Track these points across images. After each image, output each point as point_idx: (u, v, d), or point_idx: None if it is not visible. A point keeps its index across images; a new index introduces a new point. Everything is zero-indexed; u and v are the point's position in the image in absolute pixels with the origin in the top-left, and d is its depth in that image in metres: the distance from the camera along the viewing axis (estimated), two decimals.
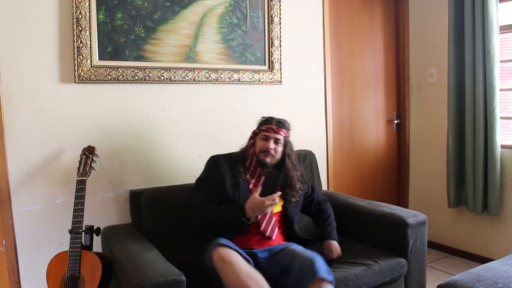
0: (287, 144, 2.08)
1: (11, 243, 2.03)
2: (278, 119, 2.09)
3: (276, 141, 2.03)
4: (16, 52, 2.02)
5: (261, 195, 1.82)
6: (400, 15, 3.53)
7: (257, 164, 2.04)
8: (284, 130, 2.06)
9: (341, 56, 3.22)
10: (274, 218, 2.01)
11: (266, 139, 2.02)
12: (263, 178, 1.99)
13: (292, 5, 2.84)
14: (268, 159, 2.00)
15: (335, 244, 2.09)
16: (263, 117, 2.13)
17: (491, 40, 2.79)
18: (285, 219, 2.08)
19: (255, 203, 1.81)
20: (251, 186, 2.01)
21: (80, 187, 1.92)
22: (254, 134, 2.10)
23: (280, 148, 2.04)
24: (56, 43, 2.11)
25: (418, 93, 3.52)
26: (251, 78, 2.67)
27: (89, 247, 1.92)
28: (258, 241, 1.96)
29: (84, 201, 1.90)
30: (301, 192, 2.11)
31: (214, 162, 2.04)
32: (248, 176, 2.03)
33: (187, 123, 2.49)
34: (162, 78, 2.36)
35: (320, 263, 1.71)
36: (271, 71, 2.75)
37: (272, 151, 2.01)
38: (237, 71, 2.61)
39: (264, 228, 1.97)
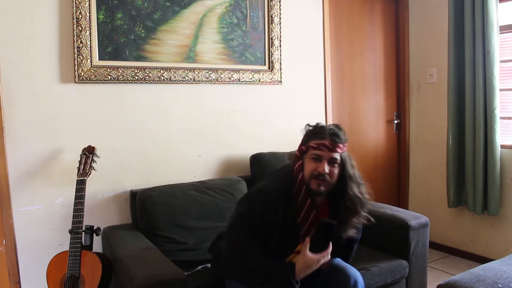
0: (346, 161, 1.59)
1: (11, 243, 2.03)
2: (331, 129, 1.60)
3: (333, 162, 1.57)
4: (16, 52, 2.02)
5: (311, 249, 1.49)
6: (400, 15, 3.53)
7: (307, 194, 1.57)
8: (341, 145, 1.58)
9: (341, 56, 3.22)
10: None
11: (319, 159, 1.56)
12: (313, 230, 1.56)
13: (292, 5, 2.84)
14: (322, 188, 1.56)
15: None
16: (309, 126, 1.65)
17: (491, 40, 2.79)
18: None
19: (308, 263, 1.47)
20: (301, 234, 1.59)
21: (80, 187, 1.92)
22: (301, 153, 1.62)
23: (336, 170, 1.58)
24: (56, 43, 2.11)
25: (418, 93, 3.52)
26: (251, 78, 2.67)
27: (89, 247, 1.92)
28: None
29: (84, 201, 1.90)
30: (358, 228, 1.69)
31: (268, 207, 1.57)
32: (299, 220, 1.58)
33: (187, 123, 2.49)
34: (162, 78, 2.36)
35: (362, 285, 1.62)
36: (271, 71, 2.75)
37: (327, 176, 1.56)
38: (237, 71, 2.61)
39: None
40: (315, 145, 1.56)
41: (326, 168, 1.55)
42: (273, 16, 2.72)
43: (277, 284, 1.47)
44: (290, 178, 1.60)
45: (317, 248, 1.50)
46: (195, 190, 2.23)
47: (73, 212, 1.88)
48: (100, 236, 2.12)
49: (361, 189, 1.62)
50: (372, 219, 1.68)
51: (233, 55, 2.60)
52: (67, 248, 1.86)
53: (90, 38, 2.15)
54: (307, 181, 1.57)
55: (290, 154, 1.74)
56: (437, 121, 3.34)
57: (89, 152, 2.03)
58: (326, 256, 1.49)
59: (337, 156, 1.56)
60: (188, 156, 2.49)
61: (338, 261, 1.69)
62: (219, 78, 2.55)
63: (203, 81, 2.50)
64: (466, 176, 3.05)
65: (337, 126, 1.63)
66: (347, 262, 1.74)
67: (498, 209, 2.91)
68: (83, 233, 1.90)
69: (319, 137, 1.57)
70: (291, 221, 1.57)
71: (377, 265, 2.07)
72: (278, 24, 2.74)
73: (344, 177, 1.58)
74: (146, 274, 1.58)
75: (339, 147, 1.57)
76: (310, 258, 1.47)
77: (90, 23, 2.14)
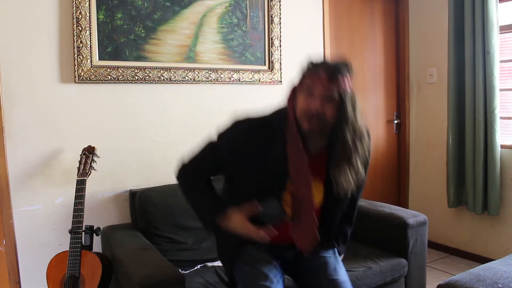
0: (345, 99, 1.31)
1: (11, 243, 2.03)
2: (332, 63, 1.34)
3: (329, 99, 1.31)
4: (16, 52, 2.02)
5: (262, 216, 1.33)
6: (400, 15, 3.53)
7: (298, 134, 1.36)
8: (340, 78, 1.30)
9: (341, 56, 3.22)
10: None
11: (312, 94, 1.32)
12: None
13: (292, 5, 2.84)
14: (313, 127, 1.33)
15: None
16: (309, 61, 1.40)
17: (491, 40, 2.79)
18: (322, 215, 1.49)
19: (234, 221, 1.34)
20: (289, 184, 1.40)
21: (80, 187, 1.92)
22: (295, 88, 1.40)
23: (333, 109, 1.32)
24: (56, 43, 2.11)
25: (418, 93, 3.52)
26: (251, 78, 2.67)
27: (89, 247, 1.92)
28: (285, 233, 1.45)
29: (84, 201, 1.90)
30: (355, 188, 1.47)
31: (243, 137, 1.40)
32: (290, 167, 1.38)
33: (187, 123, 2.49)
34: (162, 78, 2.36)
35: None
36: (271, 71, 2.75)
37: (320, 115, 1.31)
38: (237, 71, 2.61)
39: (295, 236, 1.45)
40: (308, 77, 1.33)
41: (319, 106, 1.30)
42: (273, 16, 2.72)
43: (200, 214, 1.47)
44: (284, 117, 1.38)
45: (267, 219, 1.31)
46: None
47: (73, 212, 1.88)
48: (100, 236, 2.12)
49: (360, 138, 1.38)
50: (362, 175, 1.45)
51: (233, 55, 2.60)
52: (67, 248, 1.86)
53: (90, 38, 2.15)
54: (299, 120, 1.35)
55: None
56: (437, 121, 3.34)
57: (89, 152, 2.03)
58: (259, 234, 1.29)
59: (334, 92, 1.30)
60: None
61: (331, 262, 1.53)
62: (219, 78, 2.55)
63: (203, 81, 2.50)
64: (466, 176, 3.05)
65: (341, 59, 1.37)
66: (350, 223, 1.62)
67: (498, 209, 2.91)
68: (83, 233, 1.90)
69: (315, 69, 1.33)
70: (278, 164, 1.36)
71: (377, 264, 2.07)
72: (278, 24, 2.74)
73: (339, 118, 1.32)
74: (144, 274, 1.58)
75: (337, 81, 1.29)
76: (238, 219, 1.33)
77: (90, 23, 2.15)
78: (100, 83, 2.21)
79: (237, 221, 1.34)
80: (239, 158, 1.40)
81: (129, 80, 2.28)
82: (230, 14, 2.57)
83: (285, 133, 1.38)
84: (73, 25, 2.11)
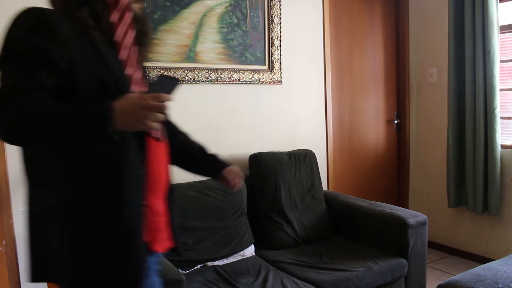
0: None
1: (11, 243, 2.03)
2: None
3: None
4: None
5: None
6: (400, 15, 3.52)
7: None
8: None
9: (341, 56, 3.22)
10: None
11: None
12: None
13: (292, 5, 2.84)
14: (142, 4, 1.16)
15: (235, 168, 1.45)
16: None
17: (491, 40, 2.79)
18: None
19: (132, 99, 0.91)
20: (123, 53, 1.07)
21: None
22: None
23: None
24: None
25: (418, 93, 3.52)
26: (251, 78, 2.67)
27: None
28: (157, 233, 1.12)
29: None
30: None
31: (45, 22, 0.99)
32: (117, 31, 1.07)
33: (186, 123, 2.47)
34: None
35: None
36: (271, 71, 2.75)
37: None
38: (237, 71, 2.61)
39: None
40: None
41: None
42: (273, 16, 2.72)
43: (83, 129, 0.91)
44: None
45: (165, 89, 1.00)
46: (194, 190, 2.22)
47: None
48: None
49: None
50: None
51: (233, 55, 2.60)
52: None
53: None
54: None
55: None
56: (437, 121, 3.34)
57: None
58: (161, 102, 0.91)
59: None
60: None
61: None
62: (219, 78, 2.55)
63: (203, 81, 2.50)
64: (466, 176, 3.05)
65: None
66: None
67: (498, 209, 2.90)
68: None
69: None
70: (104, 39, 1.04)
71: (377, 264, 2.07)
72: (278, 24, 2.74)
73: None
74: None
75: None
76: (131, 95, 0.94)
77: None
78: None
79: (134, 97, 0.93)
80: (65, 50, 0.97)
81: None
82: (230, 14, 2.57)
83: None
84: None
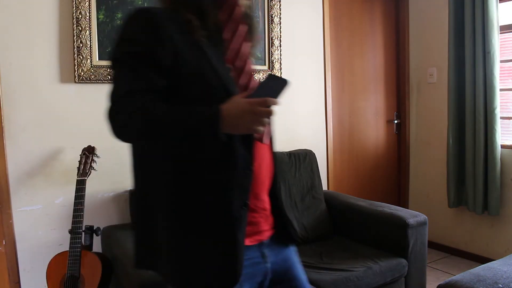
0: None
1: (11, 243, 2.03)
2: None
3: None
4: (16, 53, 2.02)
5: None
6: (400, 15, 3.52)
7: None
8: None
9: (341, 56, 3.22)
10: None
11: None
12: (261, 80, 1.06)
13: (292, 5, 2.84)
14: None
15: None
16: None
17: (491, 40, 2.79)
18: None
19: (240, 104, 0.94)
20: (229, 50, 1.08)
21: (80, 187, 1.92)
22: None
23: None
24: (56, 43, 2.11)
25: (418, 93, 3.52)
26: None
27: (89, 247, 1.92)
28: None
29: (84, 201, 1.90)
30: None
31: (152, 22, 1.01)
32: (228, 37, 1.09)
33: None
34: None
35: None
36: (271, 71, 2.74)
37: None
38: None
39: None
40: None
41: None
42: (273, 16, 2.72)
43: (196, 129, 0.95)
44: None
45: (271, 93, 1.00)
46: None
47: (73, 212, 1.88)
48: (99, 236, 2.12)
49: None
50: None
51: None
52: (67, 248, 1.86)
53: (90, 38, 2.15)
54: None
55: None
56: (437, 121, 3.34)
57: (89, 152, 2.03)
58: (268, 106, 0.93)
59: None
60: None
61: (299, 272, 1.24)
62: None
63: None
64: (466, 176, 3.05)
65: None
66: None
67: (498, 209, 2.90)
68: (83, 233, 1.90)
69: None
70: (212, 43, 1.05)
71: (377, 264, 2.07)
72: (278, 24, 2.74)
73: None
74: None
75: None
76: (239, 99, 0.96)
77: (90, 23, 2.14)
78: (100, 83, 2.21)
79: (242, 102, 0.95)
80: (175, 53, 1.00)
81: None
82: None
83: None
84: (73, 25, 2.11)
